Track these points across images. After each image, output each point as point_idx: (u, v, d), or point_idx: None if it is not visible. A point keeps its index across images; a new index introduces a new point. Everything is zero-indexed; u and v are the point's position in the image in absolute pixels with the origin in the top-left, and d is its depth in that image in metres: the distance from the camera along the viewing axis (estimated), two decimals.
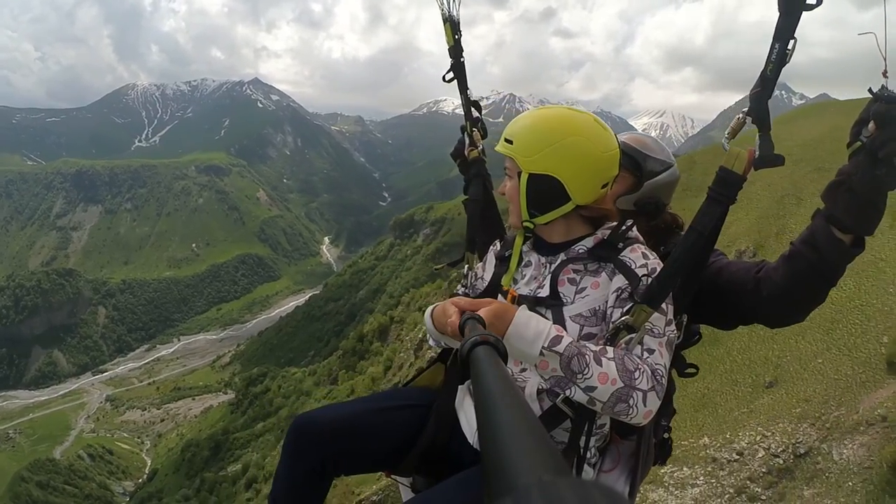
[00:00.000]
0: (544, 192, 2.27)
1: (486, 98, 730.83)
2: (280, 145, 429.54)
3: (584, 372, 1.91)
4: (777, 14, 1.98)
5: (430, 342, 2.59)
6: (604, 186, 2.30)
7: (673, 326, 2.15)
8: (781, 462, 16.41)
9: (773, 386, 20.24)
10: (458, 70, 3.21)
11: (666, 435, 2.70)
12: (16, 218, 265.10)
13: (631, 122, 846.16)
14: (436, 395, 2.73)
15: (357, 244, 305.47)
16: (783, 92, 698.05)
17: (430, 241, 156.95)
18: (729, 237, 32.16)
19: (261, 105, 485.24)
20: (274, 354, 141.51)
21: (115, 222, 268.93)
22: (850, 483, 14.74)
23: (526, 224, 2.36)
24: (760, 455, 16.82)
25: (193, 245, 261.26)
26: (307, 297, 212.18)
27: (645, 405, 1.94)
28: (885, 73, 1.91)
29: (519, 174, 2.30)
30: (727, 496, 16.21)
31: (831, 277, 2.15)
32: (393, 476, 2.73)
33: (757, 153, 2.08)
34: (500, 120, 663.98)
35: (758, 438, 17.57)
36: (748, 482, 16.29)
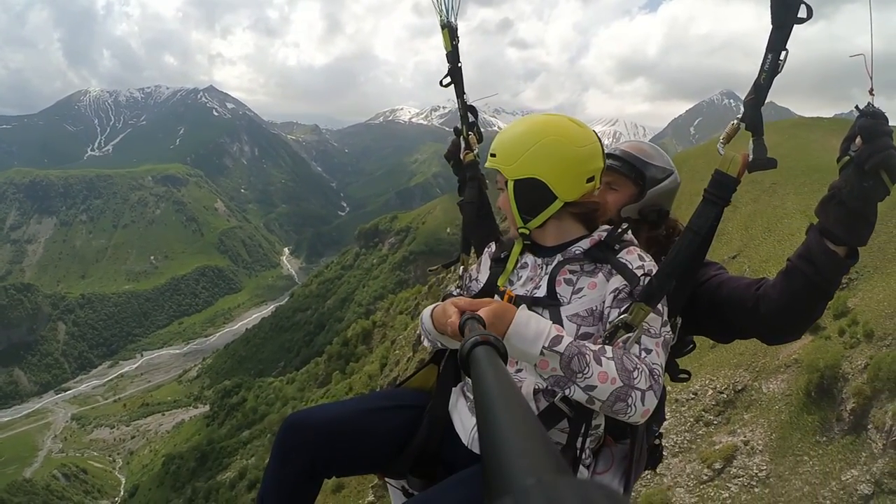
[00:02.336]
0: (531, 194, 2.34)
1: (443, 108, 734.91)
2: (237, 155, 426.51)
3: (585, 371, 1.95)
4: (770, 26, 2.06)
5: (426, 343, 2.58)
6: (589, 180, 2.35)
7: (668, 328, 2.21)
8: (725, 397, 25.87)
9: (715, 347, 27.47)
10: (455, 75, 3.30)
11: (657, 441, 2.75)
12: None
13: None
14: (429, 396, 2.76)
15: (317, 255, 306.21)
16: (732, 101, 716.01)
17: (396, 250, 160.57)
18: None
19: (216, 113, 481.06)
20: (243, 366, 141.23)
21: (70, 234, 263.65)
22: (776, 407, 24.23)
23: (522, 231, 2.42)
24: (710, 393, 26.30)
25: (152, 257, 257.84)
26: (270, 308, 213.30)
27: (643, 404, 1.98)
28: (871, 91, 1.99)
29: (507, 184, 2.37)
30: (688, 423, 26.04)
31: (828, 290, 2.21)
32: (386, 479, 2.75)
33: (751, 157, 2.16)
34: (457, 125, 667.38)
35: (707, 382, 26.97)
36: (702, 412, 25.94)
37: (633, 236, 2.46)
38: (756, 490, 22.63)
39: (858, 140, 1.99)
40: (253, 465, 69.08)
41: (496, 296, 2.44)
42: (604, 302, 2.25)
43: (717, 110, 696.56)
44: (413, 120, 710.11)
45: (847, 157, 2.04)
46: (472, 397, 2.28)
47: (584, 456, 2.28)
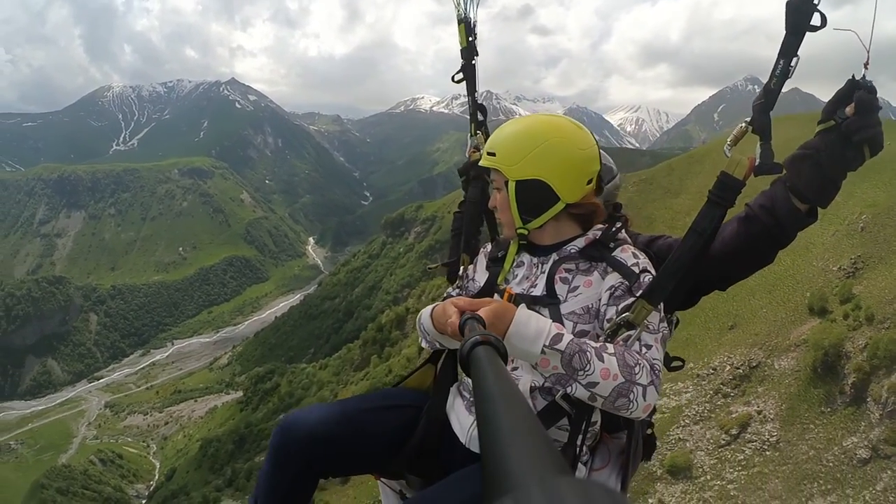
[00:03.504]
0: (534, 196, 2.33)
1: (464, 96, 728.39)
2: (261, 146, 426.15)
3: (586, 368, 1.94)
4: (783, 31, 2.07)
5: (424, 343, 2.58)
6: (588, 182, 2.37)
7: (665, 323, 2.22)
8: (741, 372, 29.40)
9: (734, 328, 31.81)
10: (468, 71, 3.25)
11: (650, 431, 2.69)
12: None
13: (607, 118, 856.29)
14: (426, 396, 2.75)
15: (342, 244, 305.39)
16: (756, 86, 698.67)
17: (422, 239, 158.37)
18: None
19: (239, 106, 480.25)
20: (274, 353, 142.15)
21: (99, 228, 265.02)
22: (787, 381, 27.41)
23: (520, 231, 2.42)
24: (727, 369, 29.78)
25: (180, 248, 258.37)
26: (297, 297, 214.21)
27: (645, 399, 1.97)
28: (866, 65, 1.99)
29: (506, 184, 2.36)
30: (708, 395, 29.57)
31: (784, 242, 2.27)
32: (382, 479, 2.72)
33: (757, 161, 2.15)
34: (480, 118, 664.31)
35: (725, 359, 30.52)
36: (721, 385, 29.58)
37: (626, 235, 2.46)
38: (767, 453, 26.89)
39: (849, 109, 1.99)
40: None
41: (496, 295, 2.45)
42: (600, 300, 2.26)
43: (740, 96, 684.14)
44: (434, 108, 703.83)
45: (832, 122, 2.04)
46: (469, 397, 2.47)
47: (582, 453, 2.28)
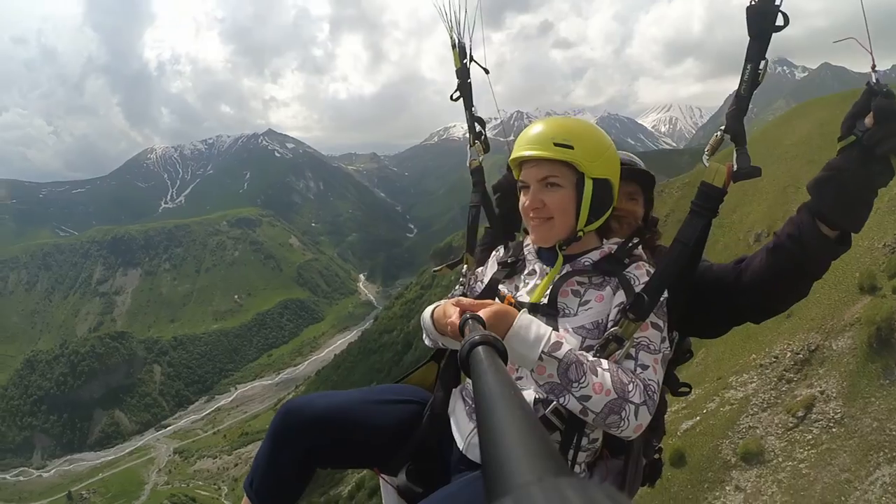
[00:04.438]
0: (603, 196, 2.27)
1: (495, 119, 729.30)
2: (303, 191, 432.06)
3: (581, 380, 1.91)
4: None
5: (427, 342, 2.57)
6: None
7: (667, 343, 2.16)
8: (802, 357, 29.26)
9: (790, 317, 31.23)
10: (464, 90, 3.34)
11: (656, 456, 2.65)
12: (57, 288, 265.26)
13: (639, 121, 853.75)
14: (427, 393, 2.75)
15: (392, 277, 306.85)
16: (785, 68, 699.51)
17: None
18: (748, 224, 48.75)
19: (278, 154, 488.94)
20: (337, 389, 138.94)
21: (156, 283, 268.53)
22: (845, 360, 27.45)
23: (580, 233, 2.31)
24: (788, 356, 29.60)
25: (236, 296, 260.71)
26: (354, 333, 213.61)
27: (636, 419, 1.93)
28: (873, 68, 1.89)
29: (577, 181, 2.24)
30: (773, 383, 29.34)
31: (815, 272, 2.15)
32: (381, 475, 2.70)
33: (735, 167, 2.11)
34: (511, 138, 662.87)
35: (785, 346, 30.13)
36: (783, 372, 29.41)
37: (642, 251, 2.42)
38: (834, 430, 27.00)
39: (869, 120, 1.87)
40: (368, 476, 69.77)
41: (496, 299, 2.39)
42: (608, 315, 2.21)
43: (770, 79, 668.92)
44: (467, 135, 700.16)
45: (852, 137, 1.92)
46: (470, 402, 2.42)
47: (577, 469, 2.25)
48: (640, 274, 2.21)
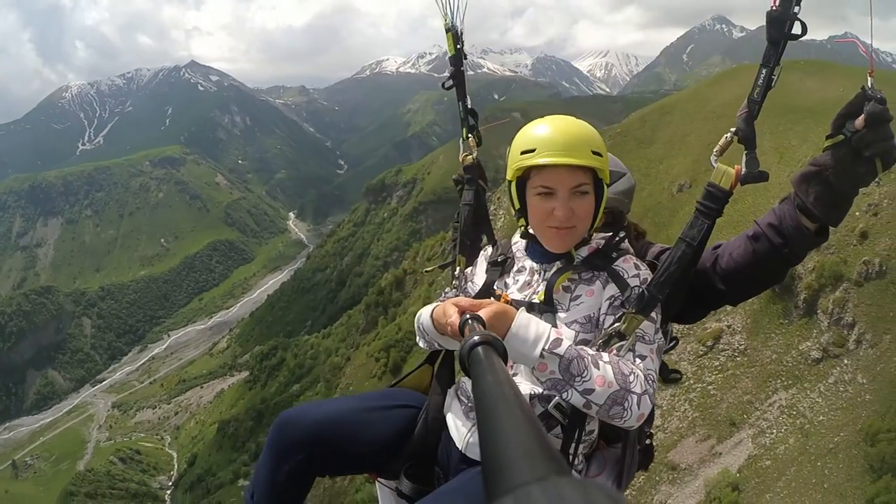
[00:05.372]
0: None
1: (429, 54, 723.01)
2: (229, 127, 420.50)
3: (583, 374, 1.94)
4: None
5: (422, 343, 2.61)
6: None
7: (660, 334, 2.24)
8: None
9: None
10: (457, 78, 3.33)
11: (648, 441, 2.70)
12: None
13: (575, 64, 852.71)
14: (423, 397, 2.76)
15: (323, 215, 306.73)
16: (724, 26, 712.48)
17: (405, 202, 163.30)
18: (672, 175, 51.88)
19: (202, 88, 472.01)
20: (272, 330, 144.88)
21: (78, 231, 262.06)
22: (751, 300, 33.52)
23: (586, 237, 2.40)
24: None
25: (162, 240, 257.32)
26: (286, 273, 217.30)
27: (639, 408, 1.98)
28: (871, 73, 1.97)
29: (596, 187, 2.30)
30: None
31: (793, 260, 2.24)
32: (379, 479, 2.73)
33: (743, 170, 2.16)
34: (446, 74, 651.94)
35: None
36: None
37: (628, 245, 2.48)
38: (738, 359, 33.62)
39: (859, 122, 1.92)
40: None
41: (492, 299, 2.34)
42: (600, 308, 2.27)
43: (709, 36, 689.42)
44: (401, 69, 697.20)
45: (841, 137, 1.97)
46: (466, 401, 2.48)
47: (576, 462, 2.30)
48: (628, 267, 2.31)
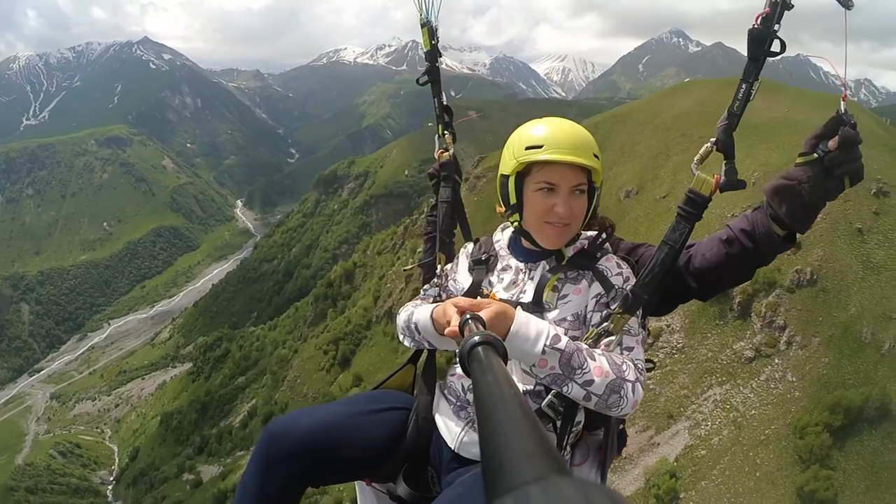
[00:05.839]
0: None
1: (389, 45, 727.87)
2: (179, 108, 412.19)
3: (583, 367, 2.03)
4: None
5: (408, 342, 2.66)
6: None
7: (642, 326, 2.39)
8: None
9: None
10: (433, 74, 3.34)
11: (622, 426, 2.85)
12: None
13: (533, 67, 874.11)
14: (409, 396, 2.89)
15: (272, 204, 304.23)
16: (681, 39, 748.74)
17: (356, 195, 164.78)
18: (620, 182, 54.77)
19: (153, 66, 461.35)
20: (216, 321, 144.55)
21: (18, 211, 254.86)
22: (689, 302, 41.99)
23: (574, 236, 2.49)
24: None
25: (105, 224, 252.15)
26: (231, 262, 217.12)
27: (633, 395, 2.10)
28: (844, 98, 2.09)
29: (590, 189, 2.40)
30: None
31: (763, 262, 2.39)
32: (373, 484, 2.77)
33: (723, 178, 2.29)
34: (404, 67, 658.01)
35: None
36: None
37: (609, 244, 2.60)
38: (676, 356, 36.39)
39: (833, 143, 2.04)
40: (261, 403, 77.72)
41: (479, 298, 2.38)
42: (587, 306, 2.36)
43: (665, 48, 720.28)
44: (358, 60, 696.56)
45: (814, 156, 2.09)
46: (454, 400, 2.53)
47: (564, 454, 2.39)
48: (610, 266, 2.39)
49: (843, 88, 2.11)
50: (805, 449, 30.68)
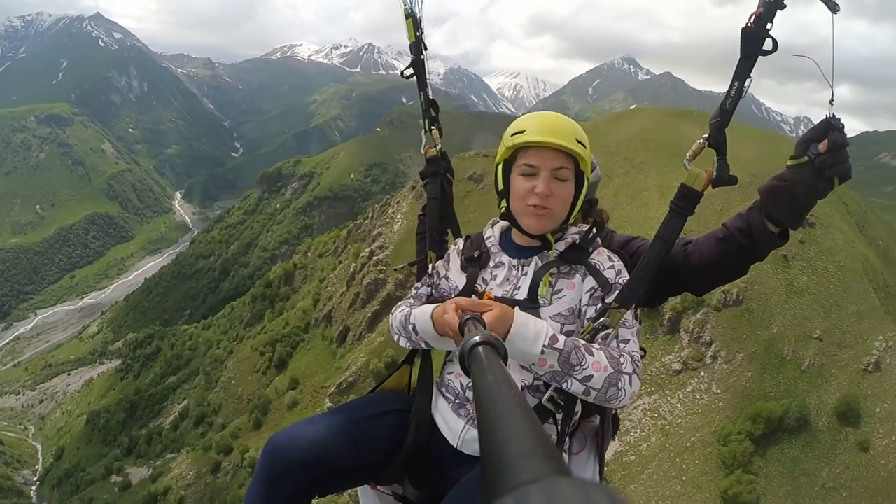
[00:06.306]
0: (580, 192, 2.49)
1: (344, 46, 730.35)
2: (125, 90, 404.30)
3: (582, 363, 2.08)
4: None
5: (403, 342, 2.66)
6: None
7: (636, 318, 2.43)
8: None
9: None
10: (418, 67, 3.36)
11: (614, 410, 2.81)
12: None
13: (486, 80, 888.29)
14: (406, 397, 2.91)
15: (212, 198, 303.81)
16: (632, 66, 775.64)
17: (300, 195, 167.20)
18: None
19: (102, 44, 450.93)
20: (147, 317, 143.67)
21: None
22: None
23: (564, 225, 2.56)
24: None
25: (38, 207, 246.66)
26: (166, 256, 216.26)
27: (631, 387, 2.15)
28: (831, 102, 2.17)
29: (577, 179, 2.46)
30: None
31: (759, 258, 2.48)
32: (378, 487, 2.80)
33: (714, 174, 2.36)
34: (358, 70, 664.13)
35: None
36: None
37: (598, 238, 2.64)
38: None
39: (822, 146, 2.14)
40: (194, 405, 78.03)
41: (474, 297, 2.48)
42: (581, 301, 2.42)
43: (616, 74, 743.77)
44: (313, 57, 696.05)
45: (805, 158, 2.20)
46: (453, 398, 2.58)
47: (564, 445, 2.43)
48: (602, 259, 2.44)
49: (830, 91, 2.17)
50: (728, 455, 34.88)
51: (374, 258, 72.71)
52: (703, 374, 39.71)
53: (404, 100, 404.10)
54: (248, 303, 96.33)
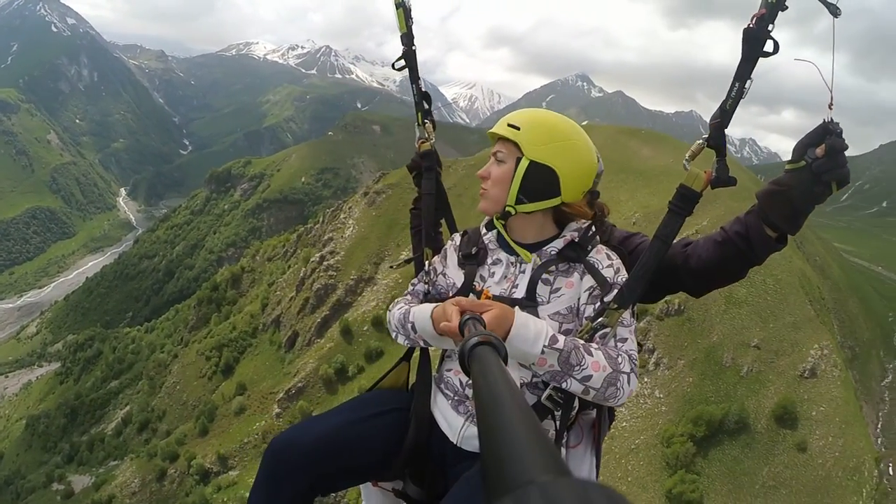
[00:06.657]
0: (540, 181, 2.42)
1: (302, 47, 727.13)
2: (74, 79, 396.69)
3: (581, 363, 2.09)
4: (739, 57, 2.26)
5: (402, 340, 2.66)
6: (584, 193, 2.53)
7: (633, 317, 2.42)
8: None
9: None
10: (409, 58, 3.31)
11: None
12: None
13: (441, 90, 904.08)
14: (404, 394, 2.90)
15: (157, 196, 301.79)
16: (585, 84, 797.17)
17: (249, 197, 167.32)
18: None
19: (55, 29, 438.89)
20: (88, 318, 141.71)
21: None
22: None
23: (508, 209, 2.48)
24: None
25: None
26: (108, 255, 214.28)
27: (629, 385, 2.16)
28: (830, 106, 2.17)
29: (517, 160, 2.43)
30: None
31: (756, 262, 2.47)
32: (380, 484, 2.81)
33: (714, 175, 2.35)
34: (313, 72, 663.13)
35: None
36: None
37: (598, 235, 2.63)
38: None
39: (820, 151, 2.12)
40: (137, 410, 77.96)
41: (472, 295, 2.49)
42: (580, 299, 2.41)
43: (569, 90, 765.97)
44: (269, 57, 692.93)
45: (802, 163, 2.19)
46: (452, 395, 2.57)
47: (562, 441, 2.43)
48: (601, 258, 2.43)
49: (830, 95, 2.17)
50: (672, 456, 37.37)
51: (325, 263, 74.63)
52: (646, 379, 42.21)
53: (359, 104, 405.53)
54: (194, 306, 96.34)
